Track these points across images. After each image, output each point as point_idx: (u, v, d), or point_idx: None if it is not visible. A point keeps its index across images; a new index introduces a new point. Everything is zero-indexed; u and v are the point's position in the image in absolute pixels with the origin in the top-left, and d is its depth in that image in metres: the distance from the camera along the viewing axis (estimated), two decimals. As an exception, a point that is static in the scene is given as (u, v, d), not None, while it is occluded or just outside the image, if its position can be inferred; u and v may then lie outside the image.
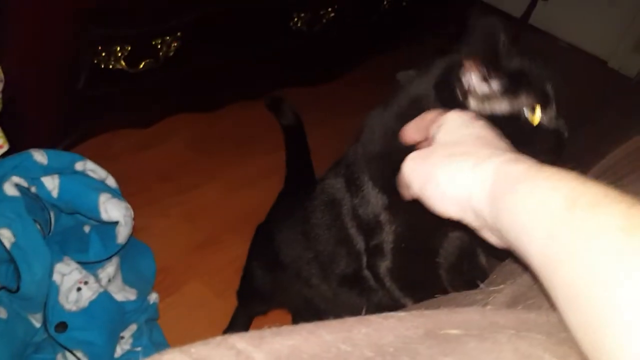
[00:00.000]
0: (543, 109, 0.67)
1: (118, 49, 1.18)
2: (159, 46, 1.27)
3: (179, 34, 1.30)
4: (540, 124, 0.67)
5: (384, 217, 0.75)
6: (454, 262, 0.76)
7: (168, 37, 1.28)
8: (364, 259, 0.80)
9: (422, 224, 0.73)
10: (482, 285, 0.50)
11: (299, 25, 1.70)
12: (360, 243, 0.81)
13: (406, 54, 2.20)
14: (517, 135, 0.59)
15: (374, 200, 0.76)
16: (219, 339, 0.30)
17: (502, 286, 0.43)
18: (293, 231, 0.95)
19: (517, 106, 0.66)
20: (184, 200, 1.38)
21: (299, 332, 0.29)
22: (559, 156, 0.69)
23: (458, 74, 0.67)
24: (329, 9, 1.78)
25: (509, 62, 0.67)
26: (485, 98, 0.66)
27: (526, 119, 0.66)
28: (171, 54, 1.30)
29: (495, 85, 0.66)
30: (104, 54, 1.16)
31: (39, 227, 0.93)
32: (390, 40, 2.22)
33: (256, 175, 1.53)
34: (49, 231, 1.00)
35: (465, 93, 0.67)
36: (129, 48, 1.20)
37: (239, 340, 0.29)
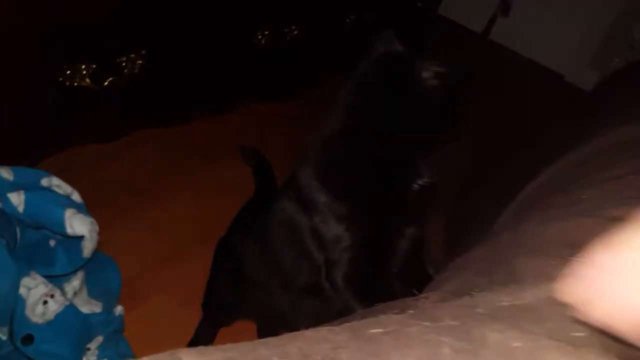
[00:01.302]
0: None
1: (83, 67, 1.21)
2: (124, 64, 1.30)
3: (143, 51, 1.33)
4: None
5: (342, 228, 0.81)
6: (404, 272, 0.82)
7: (133, 55, 1.31)
8: (324, 271, 0.86)
9: (380, 226, 0.80)
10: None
11: (263, 42, 1.75)
12: (320, 258, 0.86)
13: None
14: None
15: (333, 214, 0.81)
16: (166, 353, 0.34)
17: (430, 293, 0.49)
18: (255, 245, 1.00)
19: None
20: (150, 213, 1.40)
21: (239, 348, 0.33)
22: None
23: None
24: (293, 27, 1.84)
25: None
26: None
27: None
28: (136, 71, 1.34)
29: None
30: (69, 72, 1.19)
31: (5, 241, 0.95)
32: (355, 57, 2.28)
33: (223, 188, 1.56)
34: (15, 246, 1.02)
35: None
36: (94, 66, 1.23)
37: (186, 354, 0.33)
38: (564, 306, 0.34)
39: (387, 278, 0.83)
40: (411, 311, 0.41)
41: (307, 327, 0.95)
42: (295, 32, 1.86)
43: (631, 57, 3.34)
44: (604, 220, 0.52)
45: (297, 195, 0.88)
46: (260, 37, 1.74)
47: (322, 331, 0.37)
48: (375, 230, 0.81)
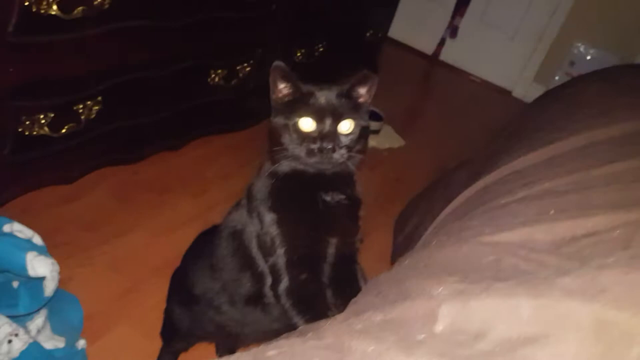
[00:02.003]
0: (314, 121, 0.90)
1: (41, 117, 1.28)
2: (81, 110, 1.38)
3: (99, 98, 1.42)
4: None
5: (275, 231, 0.94)
6: (336, 285, 0.93)
7: (89, 102, 1.39)
8: (268, 279, 0.97)
9: (306, 232, 0.94)
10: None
11: (216, 80, 1.85)
12: (262, 264, 0.98)
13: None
14: None
15: (268, 220, 0.95)
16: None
17: (338, 314, 0.59)
18: (203, 266, 1.11)
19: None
20: (108, 249, 1.47)
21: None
22: None
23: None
24: (245, 64, 1.95)
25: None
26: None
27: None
28: (92, 116, 1.42)
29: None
30: (27, 123, 1.26)
31: (-31, 287, 1.02)
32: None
33: (179, 222, 1.64)
34: (-21, 289, 1.08)
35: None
36: (52, 115, 1.30)
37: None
38: (420, 316, 0.44)
39: (321, 290, 0.94)
40: (310, 333, 0.50)
41: (252, 337, 1.05)
42: (248, 69, 1.97)
43: (573, 72, 3.56)
44: (478, 245, 0.63)
45: (246, 203, 1.01)
46: (213, 75, 1.83)
47: (233, 357, 0.46)
48: (302, 235, 0.94)
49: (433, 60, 3.93)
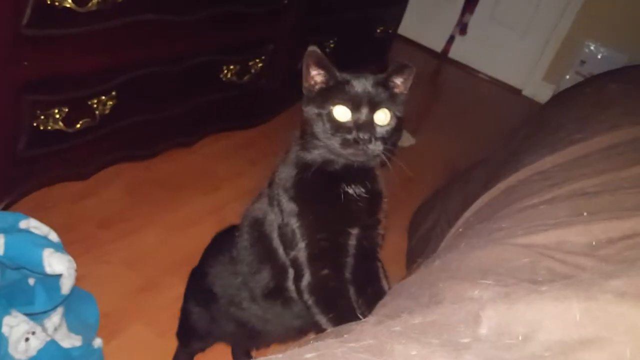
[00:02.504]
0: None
1: (56, 111, 1.28)
2: (95, 105, 1.37)
3: (113, 93, 1.41)
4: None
5: (295, 224, 0.91)
6: (358, 283, 0.91)
7: (104, 97, 1.39)
8: (289, 273, 0.95)
9: (328, 226, 0.91)
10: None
11: (229, 76, 1.84)
12: (283, 257, 0.96)
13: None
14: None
15: (288, 210, 0.93)
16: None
17: (370, 317, 0.58)
18: (223, 261, 1.10)
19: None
20: (123, 246, 1.47)
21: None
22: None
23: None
24: (257, 60, 1.94)
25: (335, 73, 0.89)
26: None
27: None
28: (107, 112, 1.41)
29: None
30: (42, 117, 1.25)
31: (-13, 284, 1.01)
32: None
33: (193, 218, 1.63)
34: (-4, 286, 1.08)
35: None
36: (67, 110, 1.30)
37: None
38: (462, 319, 0.43)
39: (344, 287, 0.92)
40: (346, 335, 0.49)
41: (275, 334, 1.03)
42: (260, 65, 1.96)
43: (584, 71, 3.54)
44: (511, 247, 0.62)
45: (268, 191, 0.98)
46: (226, 71, 1.82)
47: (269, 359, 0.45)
48: (324, 229, 0.92)
49: (442, 57, 3.91)
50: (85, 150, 1.43)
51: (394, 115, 0.88)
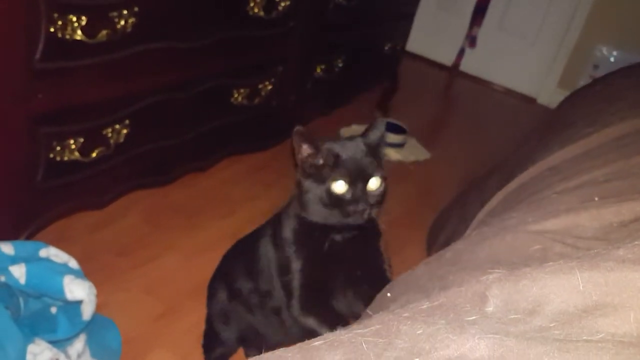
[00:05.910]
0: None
1: (72, 142, 1.30)
2: (110, 134, 1.40)
3: (127, 121, 1.44)
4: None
5: (291, 251, 1.04)
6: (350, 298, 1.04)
7: (117, 126, 1.42)
8: (284, 301, 1.07)
9: (320, 257, 1.03)
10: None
11: (239, 100, 1.87)
12: (280, 290, 1.08)
13: (342, 113, 2.42)
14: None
15: (287, 245, 1.05)
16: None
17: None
18: (241, 264, 1.22)
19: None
20: (142, 273, 1.48)
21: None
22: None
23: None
24: (266, 83, 1.97)
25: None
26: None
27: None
28: (121, 140, 1.44)
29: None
30: (58, 148, 1.28)
31: (10, 312, 1.02)
32: (329, 102, 2.42)
33: (210, 243, 1.64)
34: (19, 315, 1.09)
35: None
36: (82, 140, 1.32)
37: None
38: (469, 300, 0.43)
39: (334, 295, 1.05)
40: (354, 325, 0.49)
41: (276, 338, 1.14)
42: (270, 87, 1.98)
43: (597, 76, 3.51)
44: (522, 234, 0.61)
45: (271, 232, 1.12)
46: (236, 95, 1.85)
47: (279, 351, 0.45)
48: (315, 258, 1.04)
49: (453, 71, 3.91)
50: (101, 179, 1.45)
51: (383, 177, 1.00)
